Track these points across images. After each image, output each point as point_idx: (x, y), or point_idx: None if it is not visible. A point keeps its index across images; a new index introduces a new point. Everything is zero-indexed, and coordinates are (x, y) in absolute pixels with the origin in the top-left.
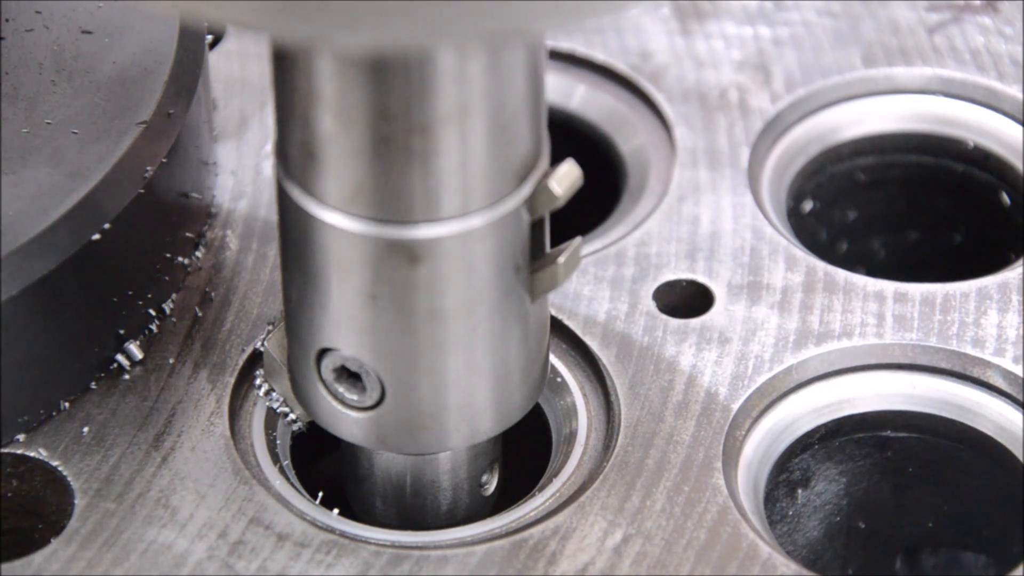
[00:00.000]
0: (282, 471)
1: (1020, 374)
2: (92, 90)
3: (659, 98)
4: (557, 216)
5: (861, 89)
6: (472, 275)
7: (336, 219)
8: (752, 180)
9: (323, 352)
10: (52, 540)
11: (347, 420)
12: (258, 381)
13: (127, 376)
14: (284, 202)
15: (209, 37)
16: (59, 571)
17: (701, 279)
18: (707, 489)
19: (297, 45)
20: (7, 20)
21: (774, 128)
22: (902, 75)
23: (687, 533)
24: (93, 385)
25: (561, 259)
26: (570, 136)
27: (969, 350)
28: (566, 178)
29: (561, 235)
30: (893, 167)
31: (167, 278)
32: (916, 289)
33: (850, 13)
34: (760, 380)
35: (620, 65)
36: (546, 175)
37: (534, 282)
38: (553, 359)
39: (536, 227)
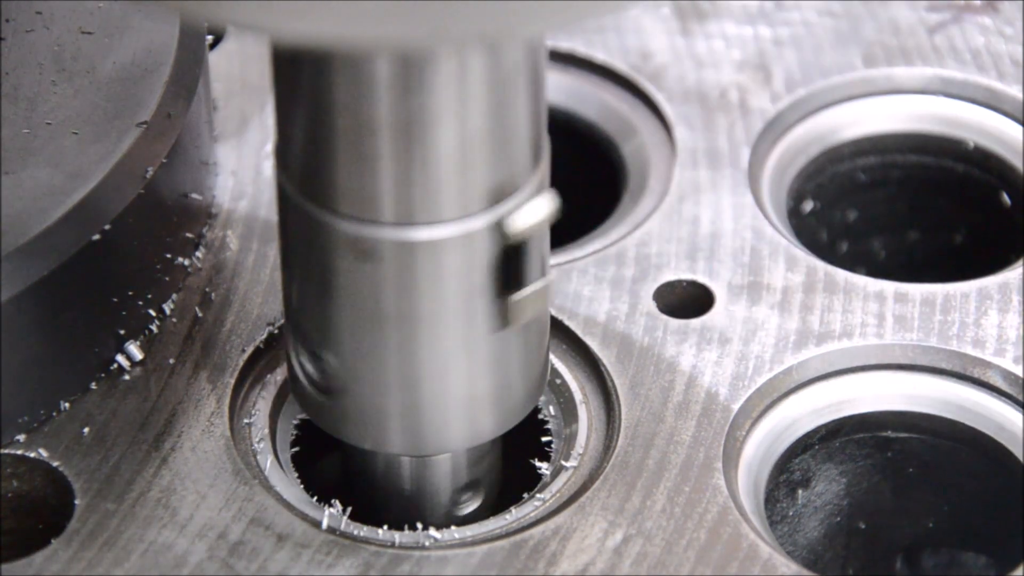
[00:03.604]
0: (282, 471)
1: (1020, 374)
2: (92, 90)
3: (659, 98)
4: (559, 216)
5: (861, 89)
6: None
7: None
8: (752, 180)
9: None
10: (52, 540)
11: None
12: None
13: (127, 376)
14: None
15: (209, 37)
16: (59, 571)
17: (701, 279)
18: (707, 489)
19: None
20: (7, 20)
21: (774, 128)
22: (902, 75)
23: (687, 533)
24: (93, 385)
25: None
26: (570, 136)
27: (969, 350)
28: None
29: (562, 235)
30: (893, 167)
31: (167, 278)
32: (916, 289)
33: (850, 13)
34: (760, 380)
35: (620, 65)
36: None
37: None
38: (553, 359)
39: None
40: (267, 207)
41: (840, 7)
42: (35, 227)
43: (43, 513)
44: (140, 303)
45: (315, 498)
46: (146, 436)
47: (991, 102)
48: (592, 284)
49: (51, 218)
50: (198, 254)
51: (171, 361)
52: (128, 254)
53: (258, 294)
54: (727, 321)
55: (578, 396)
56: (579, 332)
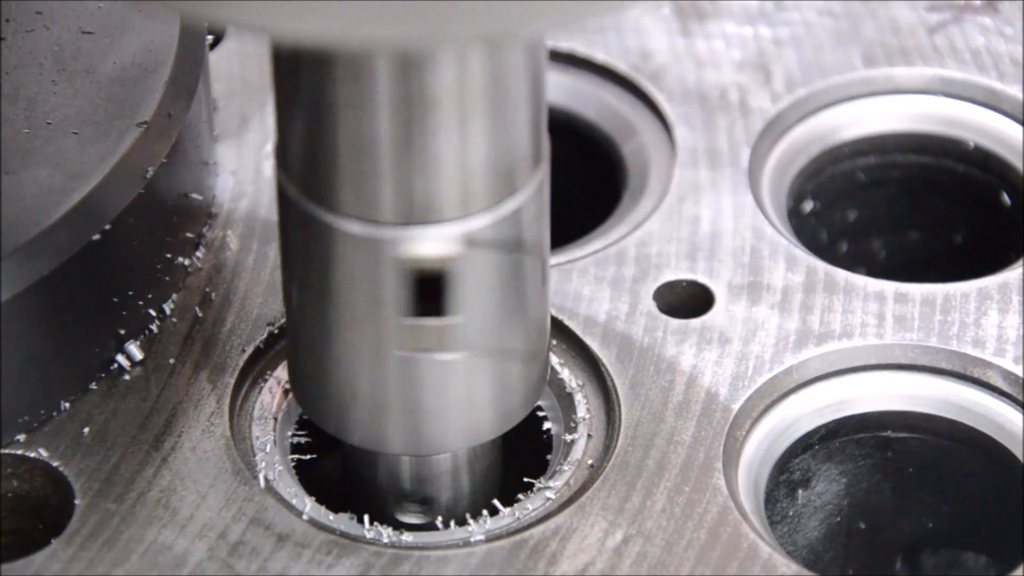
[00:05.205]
0: (282, 470)
1: (1020, 374)
2: (92, 90)
3: (659, 98)
4: (559, 216)
5: (861, 89)
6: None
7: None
8: (752, 180)
9: None
10: (52, 540)
11: None
12: None
13: (127, 376)
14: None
15: (209, 37)
16: (59, 571)
17: (701, 279)
18: (707, 489)
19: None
20: (7, 20)
21: (774, 128)
22: (902, 75)
23: (687, 533)
24: (93, 385)
25: None
26: (570, 136)
27: (969, 350)
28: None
29: (562, 235)
30: (893, 167)
31: (167, 278)
32: (916, 289)
33: (850, 13)
34: (760, 380)
35: (620, 65)
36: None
37: None
38: (553, 359)
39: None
40: (267, 207)
41: (840, 7)
42: (35, 227)
43: (43, 513)
44: (140, 303)
45: (315, 498)
46: (146, 436)
47: (991, 102)
48: (592, 284)
49: (51, 218)
50: (198, 254)
51: (171, 361)
52: (128, 254)
53: (258, 294)
54: (727, 321)
55: (578, 395)
56: (579, 332)
